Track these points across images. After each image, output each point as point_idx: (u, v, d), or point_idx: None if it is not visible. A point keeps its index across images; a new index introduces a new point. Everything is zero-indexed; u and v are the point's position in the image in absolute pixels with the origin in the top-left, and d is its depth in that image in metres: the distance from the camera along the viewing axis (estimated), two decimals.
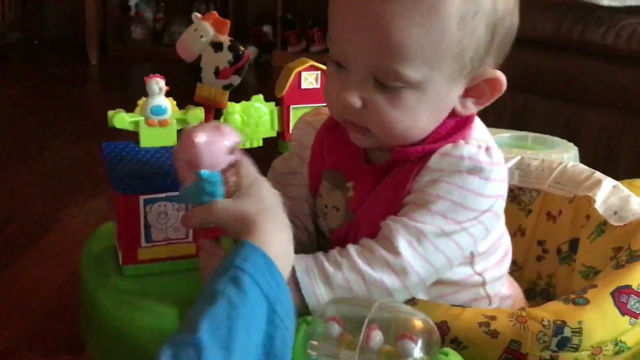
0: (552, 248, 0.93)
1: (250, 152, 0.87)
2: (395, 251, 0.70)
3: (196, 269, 0.79)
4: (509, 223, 0.85)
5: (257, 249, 0.63)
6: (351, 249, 0.72)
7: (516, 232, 0.98)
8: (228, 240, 0.71)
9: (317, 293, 0.71)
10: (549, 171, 0.97)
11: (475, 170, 0.71)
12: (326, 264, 0.72)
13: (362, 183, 0.78)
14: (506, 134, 1.08)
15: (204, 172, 0.67)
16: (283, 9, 4.10)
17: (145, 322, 0.73)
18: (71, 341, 1.45)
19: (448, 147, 0.73)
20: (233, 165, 0.71)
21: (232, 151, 0.70)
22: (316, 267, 0.72)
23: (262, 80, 0.88)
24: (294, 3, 4.21)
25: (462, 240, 0.72)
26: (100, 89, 3.86)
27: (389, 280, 0.70)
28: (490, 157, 0.72)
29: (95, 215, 2.10)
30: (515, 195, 0.98)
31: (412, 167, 0.74)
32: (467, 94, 0.74)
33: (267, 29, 4.19)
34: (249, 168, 0.72)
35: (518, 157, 1.00)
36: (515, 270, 0.90)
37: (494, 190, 0.73)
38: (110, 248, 0.84)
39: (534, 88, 1.89)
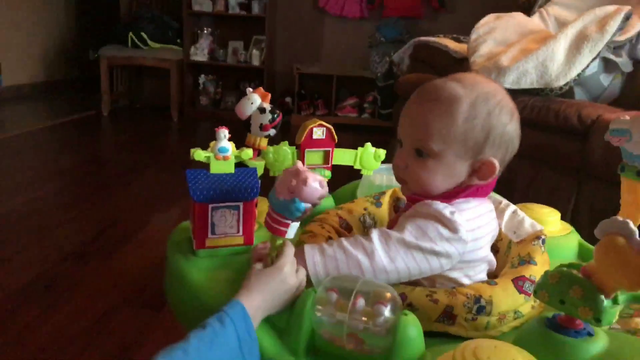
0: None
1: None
2: (369, 239, 0.71)
3: (243, 252, 0.80)
4: None
5: (240, 304, 0.63)
6: (342, 238, 0.73)
7: None
8: (275, 239, 0.71)
9: (314, 260, 0.70)
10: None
11: (437, 217, 0.71)
12: (324, 244, 0.72)
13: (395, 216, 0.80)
14: (383, 166, 1.03)
15: (299, 203, 0.66)
16: (298, 87, 4.14)
17: (209, 284, 0.73)
18: (153, 302, 1.45)
19: (428, 201, 0.73)
20: (314, 205, 0.69)
21: (321, 198, 0.68)
22: (317, 246, 0.72)
23: (284, 133, 0.87)
24: (305, 82, 4.24)
25: (418, 259, 0.70)
26: (177, 138, 3.84)
27: (361, 258, 0.69)
28: (452, 215, 0.70)
29: (171, 220, 2.11)
30: None
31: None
32: (473, 173, 0.74)
33: (288, 99, 4.22)
34: (290, 250, 0.70)
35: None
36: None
37: (450, 238, 0.70)
38: (187, 238, 0.84)
39: None
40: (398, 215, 0.80)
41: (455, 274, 0.74)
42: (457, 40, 2.34)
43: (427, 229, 0.70)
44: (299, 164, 0.69)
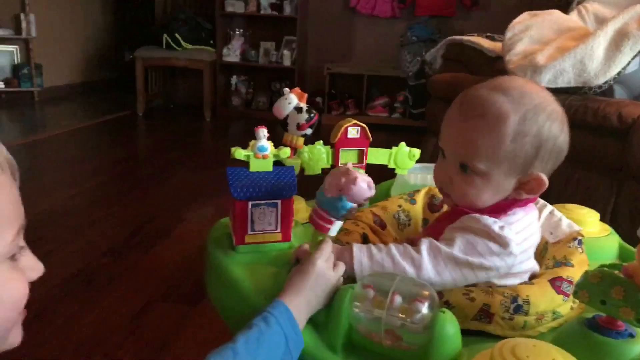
0: None
1: (314, 177, 0.91)
2: (419, 251, 0.69)
3: (281, 248, 0.81)
4: None
5: (283, 304, 0.63)
6: (391, 244, 0.72)
7: None
8: (317, 235, 0.72)
9: (362, 262, 0.70)
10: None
11: (487, 232, 0.69)
12: (373, 247, 0.72)
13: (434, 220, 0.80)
14: (418, 165, 1.03)
15: (346, 202, 0.68)
16: (329, 87, 4.16)
17: (248, 277, 0.75)
18: (190, 296, 1.49)
19: (477, 215, 0.71)
20: (360, 205, 0.70)
21: (367, 199, 0.69)
22: (366, 248, 0.72)
23: (316, 132, 0.89)
24: (336, 82, 4.25)
25: (466, 274, 0.69)
26: (210, 137, 3.91)
27: (408, 269, 0.69)
28: (502, 231, 0.69)
29: (205, 217, 2.14)
30: None
31: (456, 218, 0.74)
32: (520, 187, 0.72)
33: (319, 99, 4.23)
34: (326, 246, 0.71)
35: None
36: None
37: (500, 253, 0.69)
38: (226, 234, 0.85)
39: None
40: (439, 221, 0.79)
41: (499, 283, 0.73)
42: (492, 38, 2.31)
43: (477, 245, 0.69)
44: (350, 164, 0.69)
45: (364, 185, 0.67)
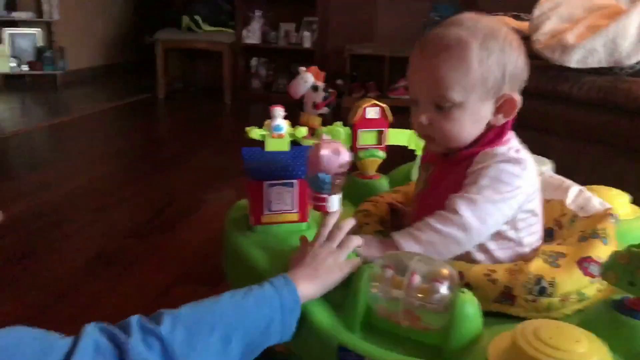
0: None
1: None
2: (457, 213, 0.70)
3: (298, 228, 0.81)
4: None
5: (284, 274, 0.65)
6: (427, 218, 0.73)
7: None
8: (322, 215, 0.72)
9: (412, 249, 0.70)
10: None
11: (505, 159, 0.72)
12: (413, 231, 0.72)
13: (438, 167, 0.81)
14: None
15: (321, 174, 0.69)
16: (350, 69, 4.12)
17: (265, 257, 0.75)
18: (209, 277, 1.50)
19: (488, 149, 0.74)
20: (341, 173, 0.71)
21: (342, 165, 0.70)
22: (407, 234, 0.72)
23: (336, 114, 0.89)
24: (356, 65, 4.21)
25: (503, 207, 0.71)
26: (231, 120, 3.91)
27: (456, 233, 0.70)
28: (517, 154, 0.74)
29: (225, 199, 2.16)
30: None
31: (466, 164, 0.75)
32: (497, 110, 0.75)
33: (339, 81, 4.19)
34: (332, 220, 0.72)
35: None
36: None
37: (521, 174, 0.72)
38: (244, 215, 0.86)
39: (522, 123, 1.86)
40: (440, 178, 0.79)
41: (512, 234, 0.75)
42: (518, 17, 2.25)
43: (501, 175, 0.72)
44: (324, 137, 0.70)
45: (326, 152, 0.67)
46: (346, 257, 0.70)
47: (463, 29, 0.71)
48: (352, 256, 0.71)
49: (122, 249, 1.70)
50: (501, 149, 0.74)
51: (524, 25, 2.11)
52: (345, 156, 0.69)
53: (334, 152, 0.68)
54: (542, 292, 0.66)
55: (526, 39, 1.97)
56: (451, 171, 0.77)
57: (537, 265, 0.68)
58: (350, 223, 0.73)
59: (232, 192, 2.22)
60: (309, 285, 0.65)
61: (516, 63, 0.74)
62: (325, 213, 0.72)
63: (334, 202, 0.72)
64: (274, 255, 0.75)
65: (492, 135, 0.76)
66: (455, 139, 0.75)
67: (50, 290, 1.42)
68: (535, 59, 1.86)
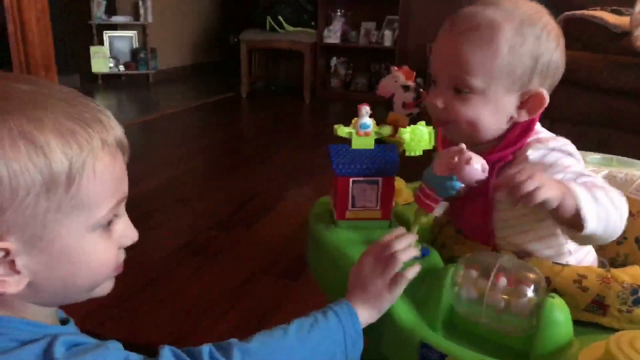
0: (631, 237, 0.85)
1: (415, 159, 0.90)
2: (598, 187, 0.63)
3: (381, 225, 0.82)
4: None
5: (346, 302, 0.63)
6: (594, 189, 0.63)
7: None
8: (420, 213, 0.71)
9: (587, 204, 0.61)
10: (631, 182, 0.89)
11: (562, 151, 0.67)
12: (597, 192, 0.63)
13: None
14: (597, 155, 1.01)
15: (456, 182, 0.65)
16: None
17: (351, 251, 0.76)
18: (290, 270, 1.55)
19: (538, 145, 0.68)
20: (466, 189, 0.68)
21: (479, 182, 0.66)
22: (585, 190, 0.62)
23: (419, 113, 0.89)
24: None
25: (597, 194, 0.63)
26: (310, 118, 3.98)
27: (623, 212, 0.63)
28: (564, 146, 0.68)
29: (305, 195, 2.20)
30: None
31: (498, 165, 0.69)
32: (521, 106, 0.69)
33: (419, 80, 4.13)
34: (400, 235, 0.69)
35: (607, 171, 0.92)
36: (599, 250, 0.82)
37: (578, 157, 0.68)
38: (327, 210, 0.87)
39: (614, 124, 1.76)
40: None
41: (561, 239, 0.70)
42: (618, 12, 2.12)
43: (572, 165, 0.66)
44: (463, 145, 0.66)
45: (478, 166, 0.64)
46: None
47: (499, 10, 0.66)
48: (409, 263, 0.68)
49: (207, 240, 1.78)
50: (551, 143, 0.67)
51: (624, 20, 1.99)
52: (486, 174, 0.66)
53: (482, 167, 0.65)
54: (638, 302, 0.63)
55: (627, 35, 1.85)
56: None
57: (632, 273, 0.65)
58: (411, 237, 0.69)
59: (311, 189, 2.26)
60: (369, 312, 0.64)
61: (552, 56, 0.67)
62: (427, 212, 0.71)
63: (441, 208, 0.71)
64: (355, 248, 0.76)
65: (516, 132, 0.70)
66: (471, 129, 0.69)
67: (143, 274, 1.52)
68: (635, 56, 1.75)
